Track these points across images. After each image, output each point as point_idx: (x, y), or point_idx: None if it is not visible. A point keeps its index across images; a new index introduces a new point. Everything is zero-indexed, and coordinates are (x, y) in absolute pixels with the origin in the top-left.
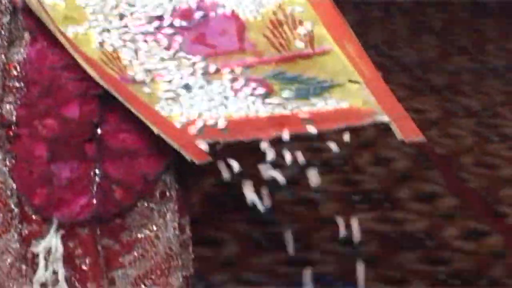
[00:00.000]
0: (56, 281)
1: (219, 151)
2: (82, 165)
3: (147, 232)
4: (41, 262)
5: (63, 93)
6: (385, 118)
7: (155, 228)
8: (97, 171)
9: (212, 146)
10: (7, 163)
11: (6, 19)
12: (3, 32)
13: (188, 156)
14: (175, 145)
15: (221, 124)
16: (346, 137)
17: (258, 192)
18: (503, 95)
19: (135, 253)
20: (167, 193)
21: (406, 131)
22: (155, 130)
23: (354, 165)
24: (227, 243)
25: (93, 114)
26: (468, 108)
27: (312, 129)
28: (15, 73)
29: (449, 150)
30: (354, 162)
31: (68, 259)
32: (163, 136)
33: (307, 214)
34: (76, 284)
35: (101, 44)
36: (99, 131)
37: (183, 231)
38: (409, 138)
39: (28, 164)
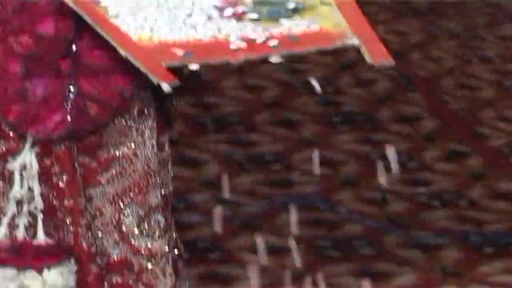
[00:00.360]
0: (32, 198)
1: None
2: (57, 82)
3: (125, 149)
4: (16, 179)
5: (37, 9)
6: (355, 41)
7: (133, 146)
8: (71, 87)
9: (180, 69)
10: None
11: None
12: None
13: (155, 79)
14: (142, 68)
15: (190, 46)
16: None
17: None
18: (485, 17)
19: (113, 171)
20: (145, 111)
21: (376, 54)
22: (122, 52)
23: (335, 86)
24: (207, 163)
25: (68, 30)
26: (450, 30)
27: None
28: None
29: (430, 72)
30: (335, 84)
31: (45, 176)
32: (130, 58)
33: (288, 135)
34: (54, 201)
35: None
36: (74, 47)
37: (162, 148)
38: (379, 62)
39: (2, 80)
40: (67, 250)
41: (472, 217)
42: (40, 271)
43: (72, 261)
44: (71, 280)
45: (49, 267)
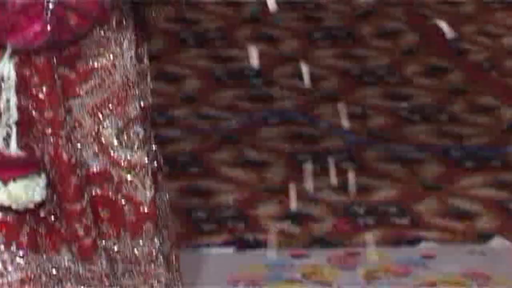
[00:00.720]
0: (9, 109)
1: None
2: None
3: (104, 61)
4: None
5: None
6: None
7: (111, 57)
8: None
9: None
10: None
11: None
12: None
13: None
14: None
15: None
16: None
17: None
18: None
19: (92, 82)
20: (124, 22)
21: None
22: None
23: (316, 1)
24: (188, 78)
25: None
26: None
27: None
28: None
29: None
30: None
31: (25, 88)
32: None
33: (268, 51)
34: (33, 113)
35: None
36: None
37: (141, 60)
38: None
39: None
40: (37, 164)
41: (453, 131)
42: (6, 182)
43: (43, 175)
44: (38, 194)
45: (15, 179)
